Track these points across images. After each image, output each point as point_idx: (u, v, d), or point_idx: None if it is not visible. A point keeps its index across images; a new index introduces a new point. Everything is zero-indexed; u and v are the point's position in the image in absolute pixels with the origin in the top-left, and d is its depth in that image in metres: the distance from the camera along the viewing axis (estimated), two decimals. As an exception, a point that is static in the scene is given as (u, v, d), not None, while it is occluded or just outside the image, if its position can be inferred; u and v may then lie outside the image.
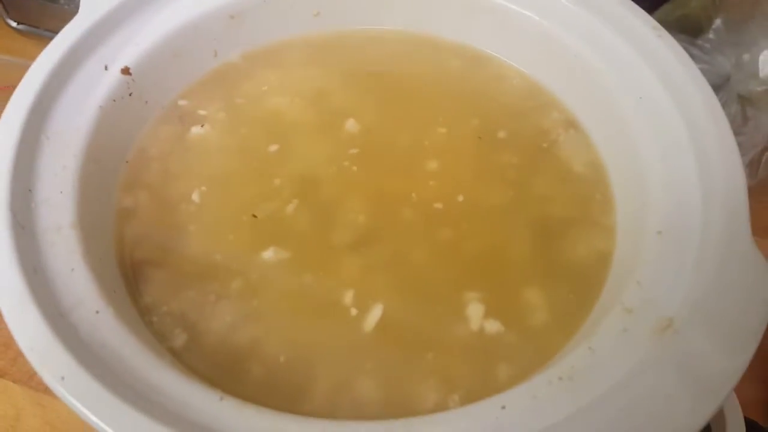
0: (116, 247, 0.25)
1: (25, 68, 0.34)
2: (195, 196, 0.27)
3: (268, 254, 0.25)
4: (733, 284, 0.20)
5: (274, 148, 0.28)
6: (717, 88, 0.39)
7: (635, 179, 0.26)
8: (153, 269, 0.24)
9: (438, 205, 0.26)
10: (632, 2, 0.29)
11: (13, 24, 0.46)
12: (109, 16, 0.27)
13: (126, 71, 0.27)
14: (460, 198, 0.27)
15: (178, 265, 0.25)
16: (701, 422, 0.18)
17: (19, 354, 0.33)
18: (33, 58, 0.33)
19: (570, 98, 0.30)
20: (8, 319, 0.20)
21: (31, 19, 0.45)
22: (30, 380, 0.33)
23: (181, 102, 0.30)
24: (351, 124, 0.29)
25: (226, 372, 0.22)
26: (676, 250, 0.22)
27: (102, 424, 0.17)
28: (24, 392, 0.32)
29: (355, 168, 0.28)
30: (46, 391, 0.32)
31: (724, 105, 0.39)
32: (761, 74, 0.37)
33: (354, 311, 0.23)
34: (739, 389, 0.27)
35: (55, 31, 0.46)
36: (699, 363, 0.19)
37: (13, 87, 0.36)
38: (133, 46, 0.27)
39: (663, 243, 0.22)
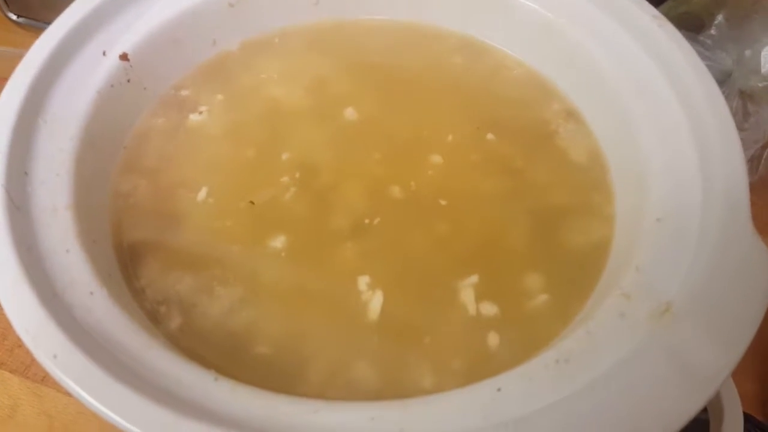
0: (113, 231, 0.25)
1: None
2: (192, 182, 0.26)
3: (266, 240, 0.25)
4: (732, 272, 0.20)
5: (271, 135, 0.28)
6: (718, 83, 0.39)
7: (634, 168, 0.25)
8: (149, 253, 0.24)
9: (437, 194, 0.26)
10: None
11: (13, 17, 0.46)
12: (109, 2, 0.27)
13: (124, 57, 0.27)
14: (460, 186, 0.27)
15: (174, 250, 0.25)
16: (694, 409, 0.18)
17: (17, 344, 0.34)
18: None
19: (570, 88, 0.30)
20: (2, 297, 0.19)
21: (31, 12, 0.45)
22: (27, 371, 0.33)
23: (180, 89, 0.29)
24: (350, 113, 0.29)
25: (221, 354, 0.22)
26: (675, 236, 0.22)
27: (94, 402, 0.17)
28: (21, 383, 0.32)
29: (353, 156, 0.27)
30: (43, 381, 0.32)
31: (726, 100, 0.39)
32: (763, 70, 0.37)
33: (355, 297, 0.23)
34: (736, 383, 0.27)
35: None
36: (695, 350, 0.19)
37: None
38: (132, 32, 0.27)
39: (662, 229, 0.22)
